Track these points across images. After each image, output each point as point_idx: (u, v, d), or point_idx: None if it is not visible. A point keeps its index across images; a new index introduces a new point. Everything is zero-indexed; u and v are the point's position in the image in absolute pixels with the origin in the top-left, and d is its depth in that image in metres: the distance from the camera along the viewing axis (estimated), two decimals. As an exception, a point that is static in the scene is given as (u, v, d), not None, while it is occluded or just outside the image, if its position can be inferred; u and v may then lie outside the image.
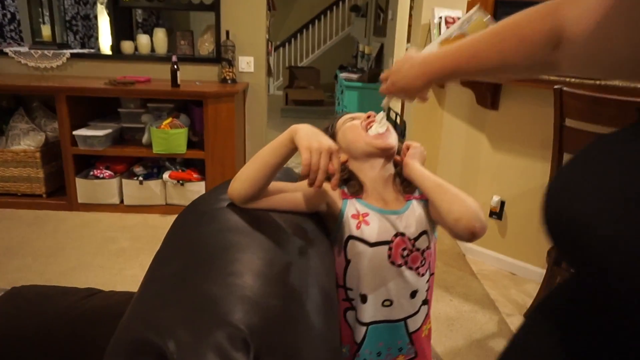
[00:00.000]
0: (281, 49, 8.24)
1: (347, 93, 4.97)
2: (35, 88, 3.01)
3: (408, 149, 1.00)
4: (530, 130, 2.35)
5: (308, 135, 0.77)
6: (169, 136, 2.95)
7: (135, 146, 3.11)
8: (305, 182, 0.92)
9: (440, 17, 3.16)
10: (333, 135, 1.04)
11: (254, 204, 0.82)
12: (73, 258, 2.50)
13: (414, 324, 0.98)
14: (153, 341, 0.47)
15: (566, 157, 1.90)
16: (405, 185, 0.98)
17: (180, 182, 3.08)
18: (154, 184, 3.10)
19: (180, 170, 3.14)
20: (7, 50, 3.43)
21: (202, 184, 3.10)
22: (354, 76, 5.20)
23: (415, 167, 0.95)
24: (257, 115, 3.49)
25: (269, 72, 3.65)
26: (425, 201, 0.97)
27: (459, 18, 3.18)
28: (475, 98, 2.55)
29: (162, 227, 2.94)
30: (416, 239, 0.93)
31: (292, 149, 0.81)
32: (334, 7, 8.12)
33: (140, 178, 3.09)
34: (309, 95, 7.21)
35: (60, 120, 2.98)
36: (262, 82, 3.42)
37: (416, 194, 0.98)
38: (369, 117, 1.02)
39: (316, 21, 8.21)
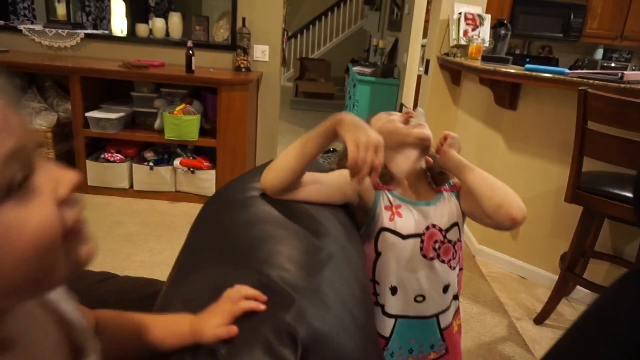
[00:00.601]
0: (293, 39, 8.19)
1: (359, 87, 4.93)
2: (49, 67, 2.99)
3: (445, 138, 0.98)
4: (548, 132, 2.32)
5: (355, 128, 0.74)
6: (181, 122, 2.93)
7: (146, 131, 3.09)
8: (338, 173, 0.90)
9: (460, 13, 3.12)
10: None
11: (288, 195, 0.80)
12: (81, 240, 2.48)
13: (445, 319, 0.97)
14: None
15: (587, 160, 1.87)
16: (437, 177, 0.97)
17: (191, 169, 3.06)
18: (164, 170, 3.08)
19: (191, 158, 3.12)
20: (21, 27, 3.40)
21: (213, 172, 3.08)
22: (367, 70, 5.16)
23: (454, 155, 0.94)
24: (270, 105, 3.46)
25: (284, 62, 3.62)
26: (456, 192, 0.97)
27: (479, 15, 3.14)
28: (494, 97, 2.51)
29: (171, 214, 2.93)
30: (447, 230, 0.93)
31: (332, 139, 0.79)
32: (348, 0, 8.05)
33: (151, 163, 3.07)
34: (319, 88, 7.16)
35: (73, 101, 2.96)
36: (277, 72, 3.39)
37: (446, 187, 0.98)
38: (407, 113, 1.01)
39: (329, 13, 8.14)
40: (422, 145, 0.97)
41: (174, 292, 0.57)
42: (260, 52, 3.32)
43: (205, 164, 3.10)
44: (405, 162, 0.96)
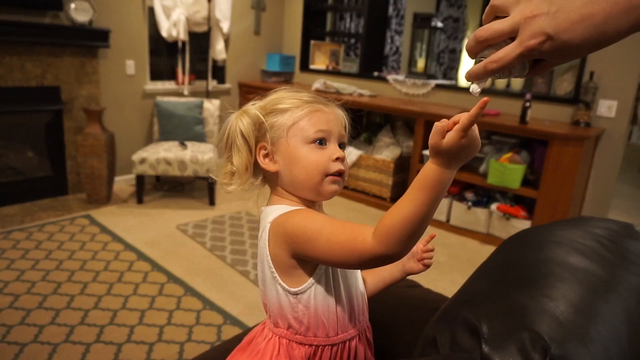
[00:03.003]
0: (658, 93, 7.05)
1: None
2: (402, 110, 3.60)
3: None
4: None
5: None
6: (505, 169, 3.04)
7: (471, 173, 3.34)
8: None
9: None
10: None
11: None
12: (398, 257, 2.90)
13: None
14: (471, 321, 0.61)
15: None
16: None
17: (506, 215, 3.12)
18: (480, 212, 3.25)
19: (508, 205, 3.19)
20: (388, 77, 4.20)
21: (528, 222, 3.06)
22: None
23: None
24: (608, 164, 3.18)
25: (634, 120, 3.26)
26: None
27: None
28: None
29: (479, 254, 3.07)
30: None
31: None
32: None
33: (470, 203, 3.29)
34: (685, 152, 5.95)
35: (415, 140, 3.47)
36: (623, 130, 3.10)
37: None
38: None
39: None
40: None
41: (458, 295, 0.74)
42: (606, 108, 3.10)
43: (522, 213, 3.11)
44: None
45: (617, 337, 0.63)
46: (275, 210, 0.87)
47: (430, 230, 3.62)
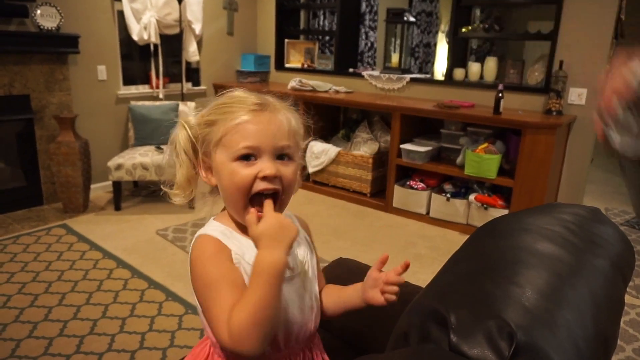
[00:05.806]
0: (628, 79, 7.22)
1: None
2: (378, 105, 3.62)
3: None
4: None
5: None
6: (481, 160, 3.08)
7: (449, 165, 3.37)
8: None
9: None
10: None
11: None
12: (379, 251, 2.92)
13: None
14: (440, 311, 0.62)
15: None
16: None
17: (484, 205, 3.16)
18: (459, 203, 3.28)
19: (486, 195, 3.23)
20: (363, 73, 4.21)
21: (506, 211, 3.11)
22: None
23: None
24: (580, 151, 3.24)
25: (604, 106, 3.33)
26: None
27: None
28: None
29: (459, 245, 3.08)
30: None
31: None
32: None
33: (448, 195, 3.33)
34: (656, 135, 6.09)
35: (393, 134, 3.49)
36: (593, 117, 3.16)
37: None
38: None
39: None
40: None
41: (429, 287, 0.75)
42: (577, 96, 3.16)
43: (500, 202, 3.15)
44: None
45: (582, 321, 0.65)
46: (203, 229, 0.85)
47: (410, 222, 3.64)
